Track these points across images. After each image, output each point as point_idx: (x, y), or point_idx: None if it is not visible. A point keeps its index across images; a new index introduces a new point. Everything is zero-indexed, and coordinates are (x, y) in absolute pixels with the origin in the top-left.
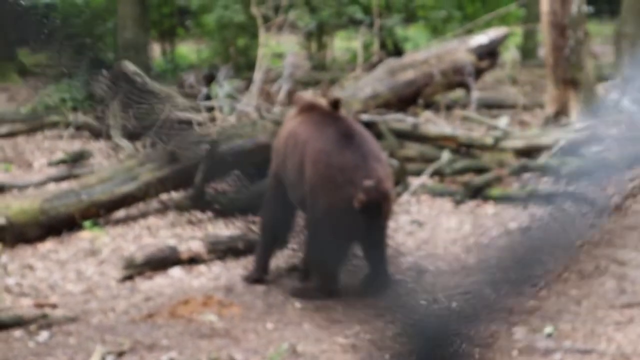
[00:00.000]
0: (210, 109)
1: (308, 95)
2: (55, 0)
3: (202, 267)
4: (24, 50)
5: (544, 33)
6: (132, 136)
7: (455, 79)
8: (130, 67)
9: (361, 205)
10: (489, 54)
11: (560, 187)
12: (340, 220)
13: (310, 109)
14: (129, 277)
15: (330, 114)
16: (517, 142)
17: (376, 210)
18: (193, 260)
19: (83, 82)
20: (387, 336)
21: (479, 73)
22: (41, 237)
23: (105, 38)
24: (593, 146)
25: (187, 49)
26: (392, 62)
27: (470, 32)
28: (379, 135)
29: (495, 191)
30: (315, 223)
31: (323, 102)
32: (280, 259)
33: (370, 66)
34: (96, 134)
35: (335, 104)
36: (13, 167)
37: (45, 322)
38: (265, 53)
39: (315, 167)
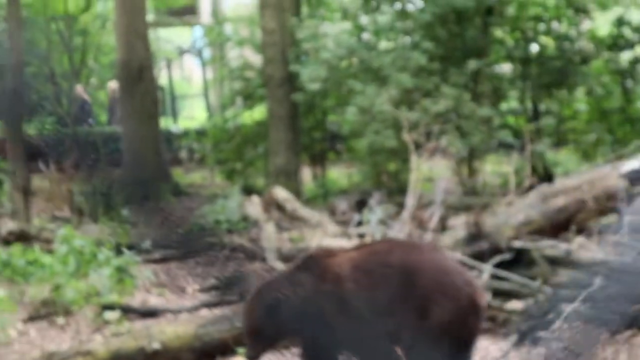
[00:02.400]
0: (362, 236)
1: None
2: (206, 127)
3: None
4: (178, 170)
5: None
6: (286, 259)
7: (608, 204)
8: (281, 192)
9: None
10: None
11: None
12: (467, 319)
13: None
14: None
15: (387, 242)
16: None
17: None
18: None
19: (237, 204)
20: None
21: (631, 198)
22: None
23: (256, 163)
24: None
25: (338, 173)
26: (544, 188)
27: (621, 156)
28: (531, 262)
29: None
30: (435, 334)
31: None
32: None
33: (522, 191)
34: (251, 257)
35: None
36: (167, 291)
37: None
38: (417, 178)
39: (427, 279)
